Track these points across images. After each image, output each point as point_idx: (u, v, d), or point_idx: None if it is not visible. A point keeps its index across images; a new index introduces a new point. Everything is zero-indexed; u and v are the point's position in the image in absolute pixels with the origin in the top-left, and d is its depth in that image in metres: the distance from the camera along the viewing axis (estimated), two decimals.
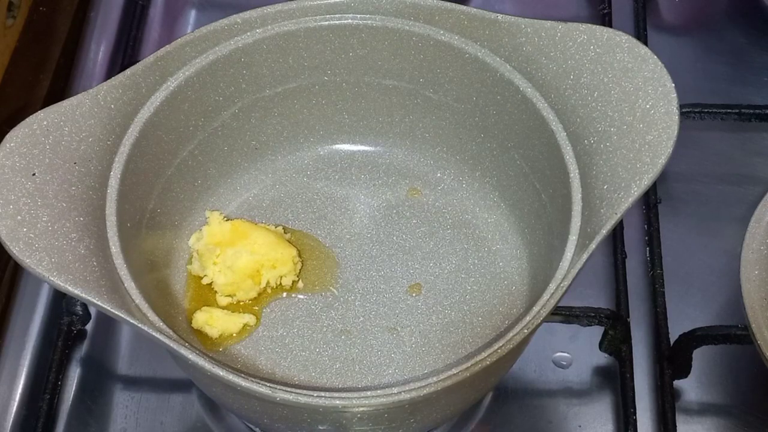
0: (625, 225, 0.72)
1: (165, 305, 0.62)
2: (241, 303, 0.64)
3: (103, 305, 0.51)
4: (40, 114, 0.56)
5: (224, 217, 0.66)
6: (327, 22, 0.62)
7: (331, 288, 0.65)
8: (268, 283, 0.64)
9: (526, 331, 0.51)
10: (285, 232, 0.66)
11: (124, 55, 0.83)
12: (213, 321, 0.62)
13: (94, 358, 0.68)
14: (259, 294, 0.64)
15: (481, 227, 0.67)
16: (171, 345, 0.50)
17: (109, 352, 0.69)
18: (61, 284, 0.51)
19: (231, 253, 0.63)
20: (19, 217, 0.52)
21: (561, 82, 0.58)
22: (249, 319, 0.63)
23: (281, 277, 0.64)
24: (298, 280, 0.65)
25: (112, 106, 0.58)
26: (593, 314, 0.65)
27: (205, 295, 0.64)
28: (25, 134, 0.55)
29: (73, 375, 0.67)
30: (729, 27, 0.86)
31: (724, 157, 0.78)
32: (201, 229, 0.65)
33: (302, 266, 0.65)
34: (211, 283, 0.64)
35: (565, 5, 0.88)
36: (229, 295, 0.64)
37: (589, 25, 0.58)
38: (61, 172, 0.55)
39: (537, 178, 0.62)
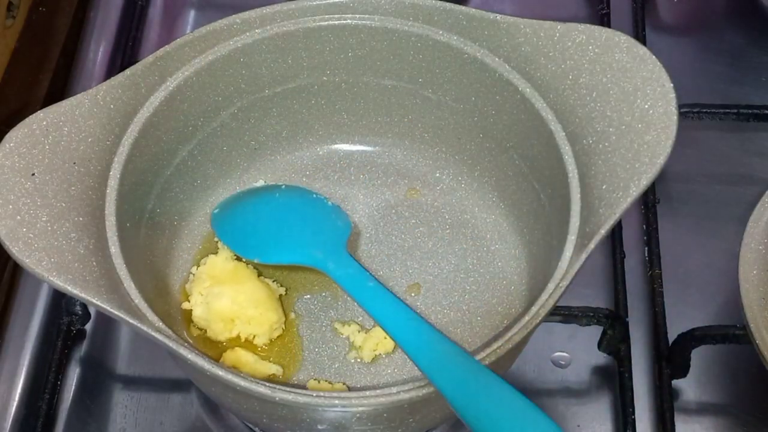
0: (623, 225, 0.72)
1: (164, 305, 0.62)
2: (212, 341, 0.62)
3: (103, 305, 0.51)
4: (40, 114, 0.56)
5: (235, 256, 0.64)
6: (326, 23, 0.62)
7: (330, 288, 0.65)
8: (239, 334, 0.62)
9: (524, 331, 0.51)
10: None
11: (124, 56, 0.83)
12: (241, 366, 0.61)
13: (93, 357, 0.69)
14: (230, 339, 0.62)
15: (479, 227, 0.67)
16: (170, 345, 0.51)
17: (109, 352, 0.69)
18: (61, 284, 0.51)
19: (215, 291, 0.62)
20: (18, 217, 0.53)
21: (560, 82, 0.58)
22: (276, 370, 0.61)
23: (254, 335, 0.62)
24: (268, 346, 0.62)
25: (112, 106, 0.58)
26: (592, 314, 0.65)
27: (188, 315, 0.63)
28: (25, 134, 0.55)
29: (73, 375, 0.68)
30: (727, 27, 0.86)
31: (723, 157, 0.78)
32: (209, 256, 0.64)
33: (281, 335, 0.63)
34: (190, 310, 0.63)
35: (564, 5, 0.88)
36: (201, 329, 0.62)
37: (588, 25, 0.58)
38: (60, 172, 0.55)
39: (536, 178, 0.62)
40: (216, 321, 0.61)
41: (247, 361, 0.61)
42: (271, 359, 0.62)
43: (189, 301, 0.62)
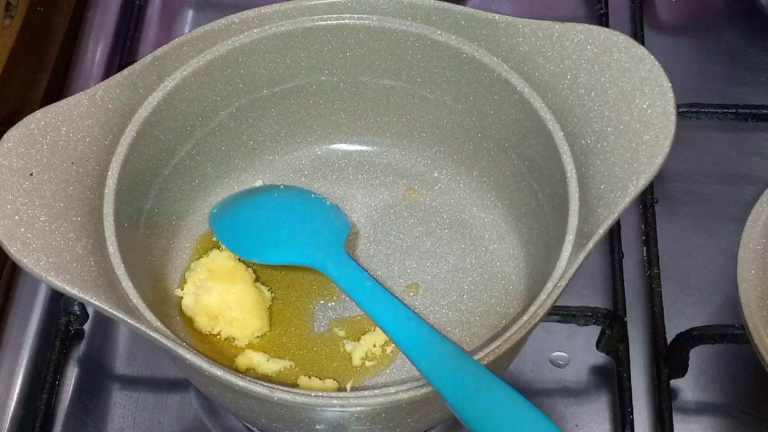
0: (622, 224, 0.72)
1: (162, 305, 0.62)
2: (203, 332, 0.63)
3: (101, 305, 0.51)
4: (38, 114, 0.56)
5: (238, 256, 0.64)
6: (324, 22, 0.62)
7: (328, 287, 0.65)
8: (220, 332, 0.62)
9: (523, 330, 0.51)
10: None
11: (122, 55, 0.83)
12: (255, 367, 0.61)
13: (91, 357, 0.68)
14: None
15: (478, 227, 0.67)
16: (168, 345, 0.51)
17: (107, 352, 0.69)
18: (59, 284, 0.51)
19: (208, 285, 0.62)
20: (16, 217, 0.52)
21: (558, 82, 0.58)
22: (289, 365, 0.62)
23: (234, 338, 0.62)
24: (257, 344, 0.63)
25: (110, 105, 0.58)
26: (590, 314, 0.65)
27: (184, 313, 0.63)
28: (23, 134, 0.55)
29: (71, 375, 0.68)
30: (726, 27, 0.86)
31: (721, 157, 0.78)
32: (213, 250, 0.64)
33: (263, 337, 0.63)
34: (181, 298, 0.63)
35: (562, 5, 0.88)
36: (188, 317, 0.63)
37: (586, 24, 0.58)
38: (58, 171, 0.55)
39: (534, 178, 0.62)
40: (201, 314, 0.62)
41: (260, 362, 0.61)
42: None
43: (183, 289, 0.63)
